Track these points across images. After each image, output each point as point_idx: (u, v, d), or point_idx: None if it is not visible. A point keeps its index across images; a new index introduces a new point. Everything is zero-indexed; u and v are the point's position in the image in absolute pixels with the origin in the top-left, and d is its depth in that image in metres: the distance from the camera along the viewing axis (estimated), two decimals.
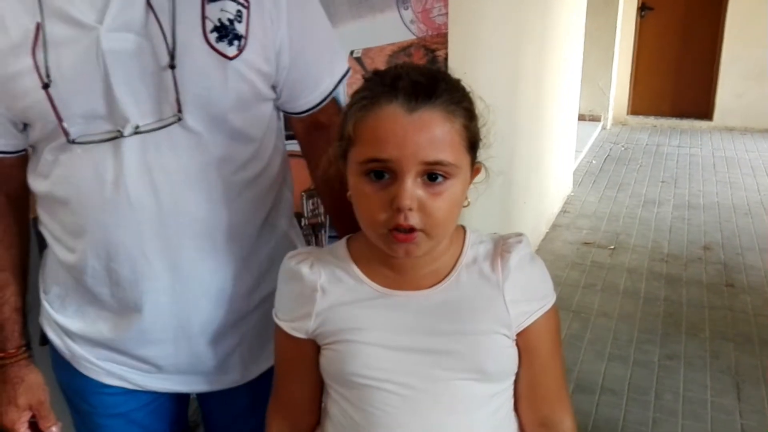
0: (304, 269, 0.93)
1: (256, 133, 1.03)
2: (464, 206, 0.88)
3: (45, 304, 1.12)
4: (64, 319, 1.09)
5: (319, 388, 0.98)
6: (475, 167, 0.88)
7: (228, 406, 1.22)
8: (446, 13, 1.76)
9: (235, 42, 0.94)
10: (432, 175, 0.81)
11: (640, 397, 2.58)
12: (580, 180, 5.45)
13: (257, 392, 1.19)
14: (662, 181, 5.43)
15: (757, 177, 5.54)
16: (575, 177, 5.39)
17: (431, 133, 0.79)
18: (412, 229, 0.81)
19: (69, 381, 1.14)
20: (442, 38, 1.79)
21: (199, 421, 1.37)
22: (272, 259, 1.11)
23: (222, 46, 0.93)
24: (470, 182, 0.89)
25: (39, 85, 0.89)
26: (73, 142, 0.92)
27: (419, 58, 1.78)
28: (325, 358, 0.93)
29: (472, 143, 0.85)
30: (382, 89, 0.81)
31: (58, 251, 1.05)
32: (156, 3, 0.89)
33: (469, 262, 0.92)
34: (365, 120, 0.81)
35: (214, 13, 0.92)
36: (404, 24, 1.74)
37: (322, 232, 1.92)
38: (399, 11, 1.72)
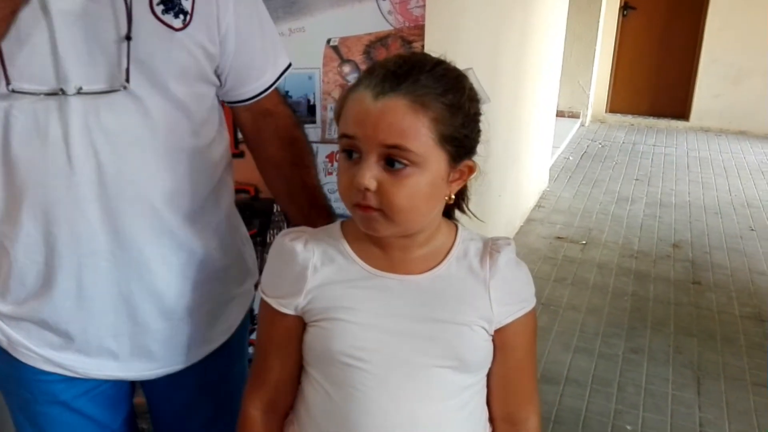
0: (298, 247, 0.95)
1: (198, 110, 1.04)
2: (448, 201, 0.92)
3: None
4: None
5: (298, 368, 0.99)
6: (465, 165, 0.90)
7: (173, 394, 1.20)
8: (423, 5, 1.77)
9: (181, 15, 0.96)
10: (391, 160, 0.84)
11: (603, 388, 2.64)
12: (556, 176, 5.51)
13: (204, 378, 1.18)
14: (636, 179, 5.51)
15: (729, 178, 5.64)
16: (551, 172, 5.45)
17: (392, 119, 0.82)
18: (370, 208, 0.86)
19: (7, 370, 1.11)
20: (419, 30, 1.80)
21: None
22: (217, 237, 1.12)
23: (168, 18, 0.95)
24: (460, 180, 0.91)
25: None
26: (13, 91, 0.91)
27: (396, 50, 1.79)
28: (311, 335, 0.95)
29: (448, 138, 0.85)
30: (364, 76, 0.87)
31: None
32: None
33: (460, 255, 0.95)
34: (345, 101, 0.88)
35: None
36: (382, 14, 1.74)
37: None
38: (377, 1, 1.73)
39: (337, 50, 1.71)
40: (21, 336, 1.06)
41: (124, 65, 0.93)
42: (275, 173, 1.19)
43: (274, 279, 0.98)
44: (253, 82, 1.12)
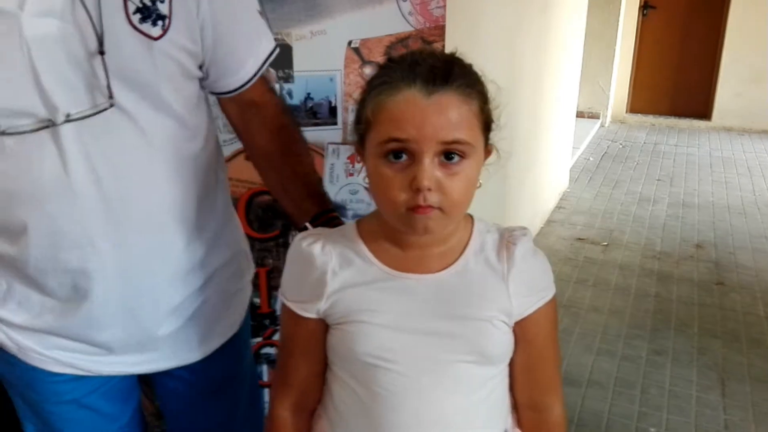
0: (316, 250, 0.95)
1: (188, 111, 1.03)
2: (477, 187, 0.91)
3: None
4: (8, 313, 1.06)
5: (323, 367, 1.00)
6: (486, 149, 0.91)
7: (184, 391, 1.22)
8: (444, 6, 1.78)
9: (159, 22, 0.94)
10: (449, 154, 0.84)
11: (626, 390, 2.61)
12: (577, 176, 5.48)
13: (212, 375, 1.20)
14: (658, 180, 5.46)
15: (752, 177, 5.57)
16: (572, 173, 5.42)
17: (449, 114, 0.83)
18: (430, 207, 0.85)
19: (16, 374, 1.12)
20: (440, 30, 1.80)
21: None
22: (216, 235, 1.13)
23: (146, 27, 0.93)
24: (482, 163, 0.92)
25: None
26: (3, 133, 0.89)
27: None
28: (335, 338, 0.95)
29: (487, 125, 0.89)
30: (401, 74, 0.84)
31: None
32: None
33: (477, 249, 0.95)
34: (384, 104, 0.84)
35: None
36: (402, 15, 1.75)
37: None
38: (398, 3, 1.74)
39: (358, 52, 1.72)
40: (32, 342, 1.07)
41: (104, 81, 0.91)
42: (266, 165, 1.18)
43: (293, 283, 0.98)
44: (236, 73, 1.09)
